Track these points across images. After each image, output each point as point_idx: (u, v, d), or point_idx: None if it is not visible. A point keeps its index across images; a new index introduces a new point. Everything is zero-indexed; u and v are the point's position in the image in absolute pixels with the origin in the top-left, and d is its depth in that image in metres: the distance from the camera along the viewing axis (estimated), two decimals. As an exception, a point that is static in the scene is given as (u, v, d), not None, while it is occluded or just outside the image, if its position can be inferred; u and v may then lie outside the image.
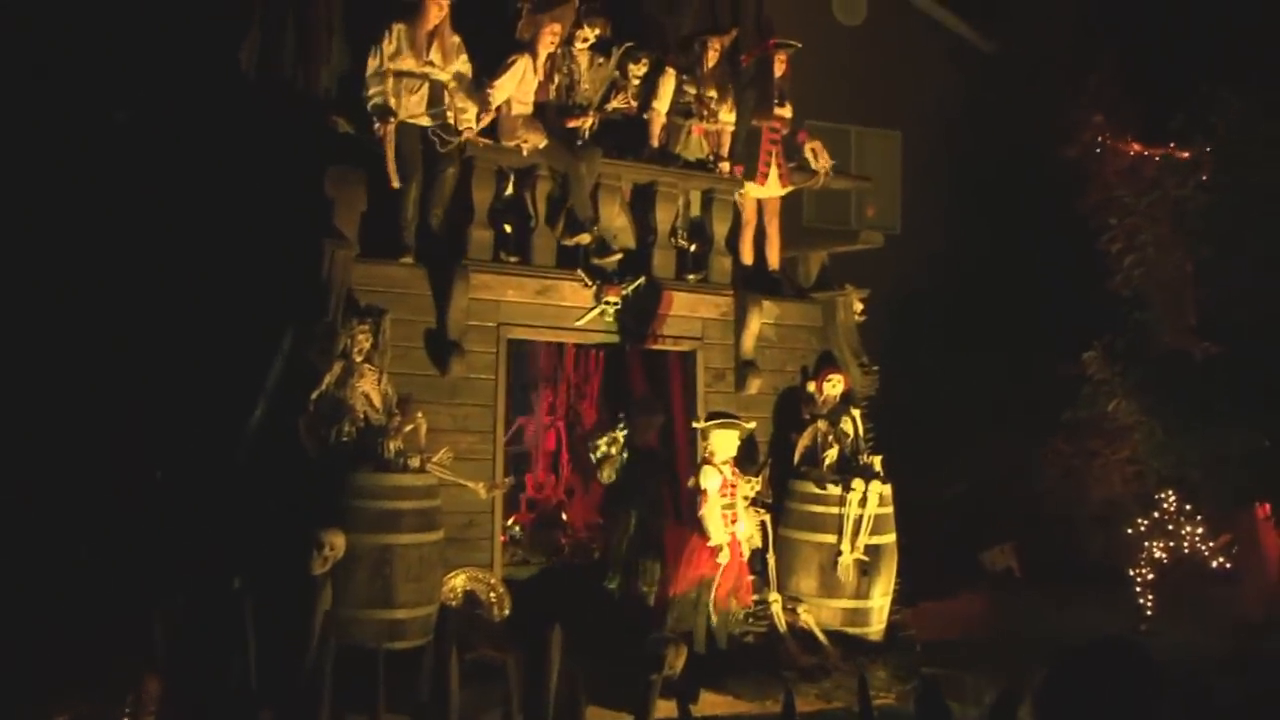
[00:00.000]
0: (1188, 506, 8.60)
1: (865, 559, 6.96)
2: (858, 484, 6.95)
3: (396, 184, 6.94)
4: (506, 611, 6.93)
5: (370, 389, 6.72)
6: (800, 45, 8.30)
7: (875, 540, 7.02)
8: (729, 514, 6.48)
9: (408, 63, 7.08)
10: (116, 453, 7.10)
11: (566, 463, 8.72)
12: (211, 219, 7.49)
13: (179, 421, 7.24)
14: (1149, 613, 8.50)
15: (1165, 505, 8.66)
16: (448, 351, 6.99)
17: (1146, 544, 8.61)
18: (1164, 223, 11.51)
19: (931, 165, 12.36)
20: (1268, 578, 8.87)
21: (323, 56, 7.53)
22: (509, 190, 7.52)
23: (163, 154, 7.58)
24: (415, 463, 6.50)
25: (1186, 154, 12.00)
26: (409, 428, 6.64)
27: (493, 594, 6.94)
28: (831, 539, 7.00)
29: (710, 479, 6.47)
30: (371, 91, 7.04)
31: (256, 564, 6.15)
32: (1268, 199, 10.78)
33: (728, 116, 7.98)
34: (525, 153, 7.29)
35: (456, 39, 7.18)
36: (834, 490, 7.02)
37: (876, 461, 7.19)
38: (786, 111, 8.18)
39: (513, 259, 7.42)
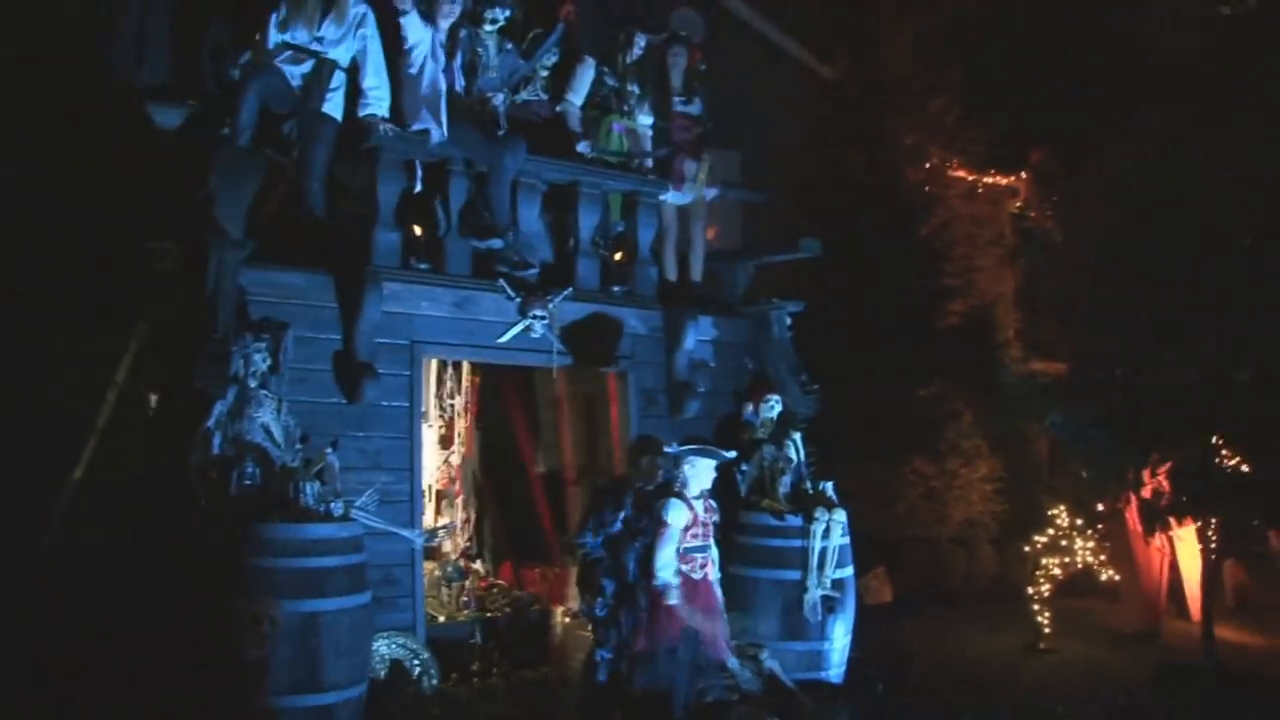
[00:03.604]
0: (1079, 521, 8.66)
1: (834, 595, 6.39)
2: (820, 514, 6.39)
3: None
4: (435, 681, 5.85)
5: (270, 420, 5.49)
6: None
7: (838, 574, 6.48)
8: (699, 557, 5.69)
9: (298, 35, 5.98)
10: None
11: (461, 503, 7.65)
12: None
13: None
14: (1047, 630, 8.46)
15: (1059, 521, 8.69)
16: (358, 374, 5.84)
17: (1045, 561, 8.57)
18: (995, 247, 11.90)
19: (772, 188, 12.14)
20: (1141, 589, 9.11)
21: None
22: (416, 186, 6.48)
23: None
24: (338, 509, 5.33)
25: (1006, 181, 12.52)
26: (319, 466, 5.47)
27: (417, 661, 5.85)
28: (794, 575, 6.38)
29: (675, 514, 5.66)
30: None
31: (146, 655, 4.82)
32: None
33: (645, 118, 7.29)
34: (435, 141, 6.28)
35: (362, 9, 6.12)
36: (794, 522, 6.42)
37: (829, 488, 6.66)
38: (693, 108, 7.57)
39: (423, 266, 6.37)
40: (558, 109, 7.04)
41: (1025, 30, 11.69)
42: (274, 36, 5.97)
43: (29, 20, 6.77)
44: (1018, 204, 12.61)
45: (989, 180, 12.18)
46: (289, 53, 6.03)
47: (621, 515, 5.74)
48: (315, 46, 6.06)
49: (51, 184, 6.61)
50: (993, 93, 11.39)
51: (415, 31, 6.40)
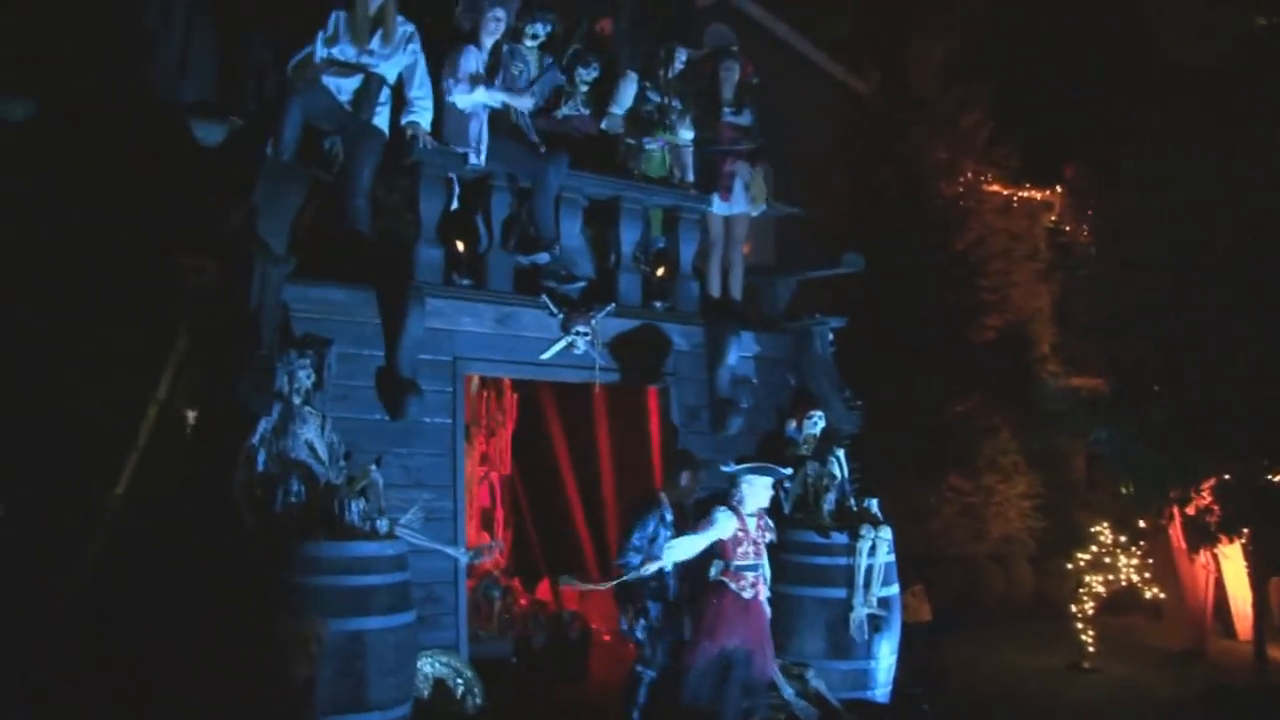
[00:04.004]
0: (1122, 538, 8.53)
1: (880, 613, 6.30)
2: (866, 531, 6.30)
3: None
4: (479, 701, 5.79)
5: (314, 437, 5.46)
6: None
7: (884, 592, 6.38)
8: (749, 575, 5.61)
9: (345, 51, 6.00)
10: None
11: (501, 521, 7.59)
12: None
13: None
14: (1090, 649, 8.32)
15: (1102, 538, 8.56)
16: (400, 391, 5.80)
17: (1087, 578, 8.44)
18: (1031, 262, 11.77)
19: (804, 202, 12.07)
20: (1186, 607, 8.96)
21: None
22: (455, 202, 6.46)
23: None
24: (383, 527, 5.29)
25: (1040, 195, 12.41)
26: (363, 483, 5.43)
27: (460, 680, 5.79)
28: (840, 593, 6.29)
29: (723, 521, 5.55)
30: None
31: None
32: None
33: (686, 132, 7.25)
34: (479, 158, 6.26)
35: (410, 27, 6.13)
36: (839, 539, 6.34)
37: (874, 505, 6.58)
38: (743, 119, 7.53)
39: (465, 282, 6.34)
40: (603, 125, 7.01)
41: (1054, 43, 11.63)
42: (320, 52, 5.98)
43: (72, 34, 6.79)
44: (1053, 218, 12.52)
45: (1024, 194, 12.10)
46: (334, 68, 6.04)
47: (665, 534, 5.68)
48: (364, 60, 6.06)
49: (86, 197, 6.63)
50: (1024, 106, 11.31)
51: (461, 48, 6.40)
